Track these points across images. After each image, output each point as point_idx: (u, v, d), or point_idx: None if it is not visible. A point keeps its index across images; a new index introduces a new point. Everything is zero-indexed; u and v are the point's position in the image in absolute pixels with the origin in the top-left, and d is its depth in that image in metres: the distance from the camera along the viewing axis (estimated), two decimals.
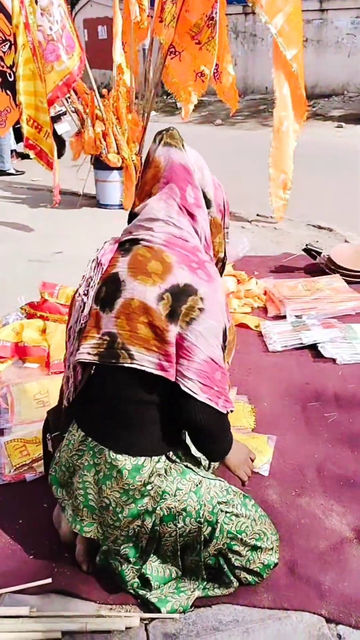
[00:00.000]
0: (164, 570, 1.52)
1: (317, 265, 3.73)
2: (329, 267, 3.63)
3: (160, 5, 4.41)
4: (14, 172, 7.35)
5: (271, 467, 2.02)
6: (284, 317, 3.09)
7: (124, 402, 1.38)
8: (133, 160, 5.26)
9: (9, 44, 4.69)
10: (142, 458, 1.41)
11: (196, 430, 1.43)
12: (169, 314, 1.28)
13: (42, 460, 1.93)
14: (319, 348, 2.76)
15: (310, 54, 12.47)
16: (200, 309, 1.29)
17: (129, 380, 1.34)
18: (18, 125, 4.83)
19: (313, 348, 2.79)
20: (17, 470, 2.00)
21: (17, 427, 2.24)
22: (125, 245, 1.38)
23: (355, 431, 2.20)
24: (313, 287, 3.37)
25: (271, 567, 1.57)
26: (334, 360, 2.68)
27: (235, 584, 1.54)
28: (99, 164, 5.35)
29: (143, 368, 1.31)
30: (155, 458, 1.42)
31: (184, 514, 1.43)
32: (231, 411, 1.42)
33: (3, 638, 1.43)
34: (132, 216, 1.43)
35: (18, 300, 3.21)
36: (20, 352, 2.78)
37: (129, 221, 1.45)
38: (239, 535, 1.49)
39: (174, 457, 1.48)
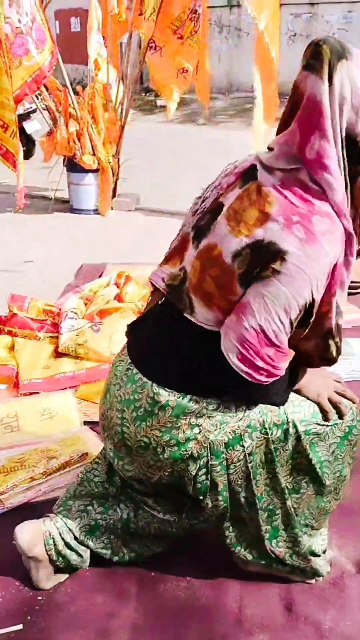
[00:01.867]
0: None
1: None
2: None
3: None
4: None
5: None
6: None
7: (181, 331, 1.31)
8: (110, 163, 5.27)
9: None
10: (189, 396, 1.32)
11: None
12: (243, 274, 1.19)
13: (11, 492, 1.91)
14: None
15: (299, 50, 12.53)
16: (275, 271, 1.16)
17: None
18: None
19: None
20: None
21: None
22: (249, 172, 1.25)
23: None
24: None
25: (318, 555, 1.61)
26: None
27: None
28: (73, 166, 5.35)
29: (200, 324, 1.27)
30: (206, 400, 1.33)
31: (249, 430, 1.35)
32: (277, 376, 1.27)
33: None
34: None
35: None
36: None
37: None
38: (313, 420, 1.40)
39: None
